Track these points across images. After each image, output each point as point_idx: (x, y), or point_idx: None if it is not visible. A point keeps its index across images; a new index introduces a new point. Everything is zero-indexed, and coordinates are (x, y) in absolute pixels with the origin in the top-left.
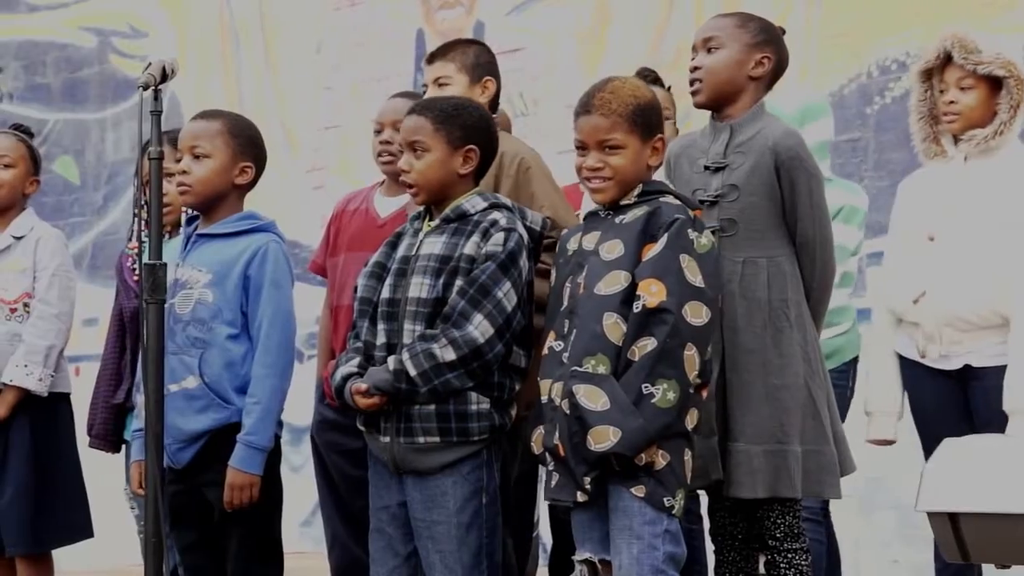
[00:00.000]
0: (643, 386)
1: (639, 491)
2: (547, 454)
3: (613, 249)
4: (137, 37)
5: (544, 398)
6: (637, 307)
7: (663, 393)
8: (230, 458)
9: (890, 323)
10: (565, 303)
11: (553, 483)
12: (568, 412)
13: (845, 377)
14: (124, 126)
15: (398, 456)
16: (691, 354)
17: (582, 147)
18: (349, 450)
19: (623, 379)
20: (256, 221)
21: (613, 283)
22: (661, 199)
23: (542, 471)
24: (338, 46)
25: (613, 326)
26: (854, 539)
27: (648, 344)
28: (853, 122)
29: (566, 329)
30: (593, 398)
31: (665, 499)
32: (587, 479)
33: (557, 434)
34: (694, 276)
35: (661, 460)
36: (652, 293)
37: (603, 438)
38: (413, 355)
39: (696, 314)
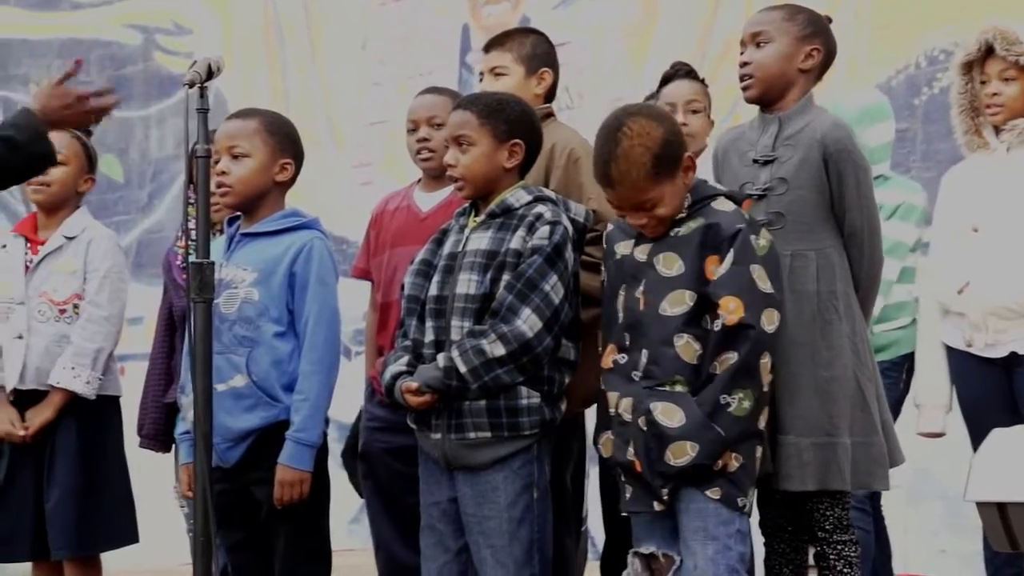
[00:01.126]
0: (721, 398)
1: (715, 493)
2: (619, 467)
3: (671, 265)
4: (181, 34)
5: (612, 411)
6: (717, 325)
7: (739, 402)
8: (279, 455)
9: (936, 314)
10: (621, 315)
11: (628, 495)
12: (645, 429)
13: (899, 370)
14: (168, 123)
15: (449, 452)
16: (766, 361)
17: (619, 209)
18: (399, 448)
19: (703, 393)
20: (299, 218)
21: (678, 303)
22: (713, 204)
23: (589, 465)
24: (384, 41)
25: (685, 346)
26: (902, 529)
27: (730, 358)
28: (901, 113)
29: (628, 342)
30: (670, 415)
31: (739, 499)
32: (664, 492)
33: (631, 450)
34: (764, 284)
35: (735, 462)
36: (731, 311)
37: (682, 453)
38: (463, 352)
39: (770, 320)
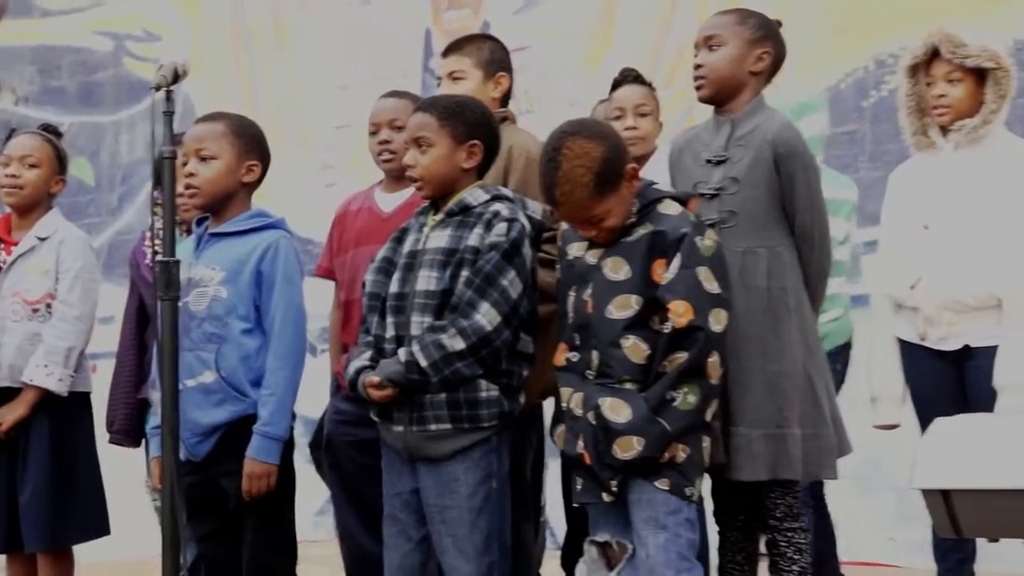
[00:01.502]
0: (668, 394)
1: (663, 484)
2: (570, 460)
3: (619, 269)
4: (151, 40)
5: (564, 405)
6: (668, 327)
7: (684, 397)
8: (247, 449)
9: (889, 309)
10: (572, 316)
11: (579, 487)
12: (594, 423)
13: (835, 360)
14: (139, 128)
15: (411, 444)
16: (714, 360)
17: (568, 222)
18: (363, 440)
19: (650, 389)
20: (266, 219)
21: (623, 307)
22: (659, 208)
23: (548, 456)
24: (349, 46)
25: (632, 348)
26: (852, 518)
27: (680, 358)
28: (850, 115)
29: (579, 342)
30: (618, 410)
31: (687, 489)
32: (613, 483)
33: (581, 443)
34: (711, 285)
35: (682, 453)
36: (680, 314)
37: (628, 447)
38: (423, 346)
39: (718, 321)
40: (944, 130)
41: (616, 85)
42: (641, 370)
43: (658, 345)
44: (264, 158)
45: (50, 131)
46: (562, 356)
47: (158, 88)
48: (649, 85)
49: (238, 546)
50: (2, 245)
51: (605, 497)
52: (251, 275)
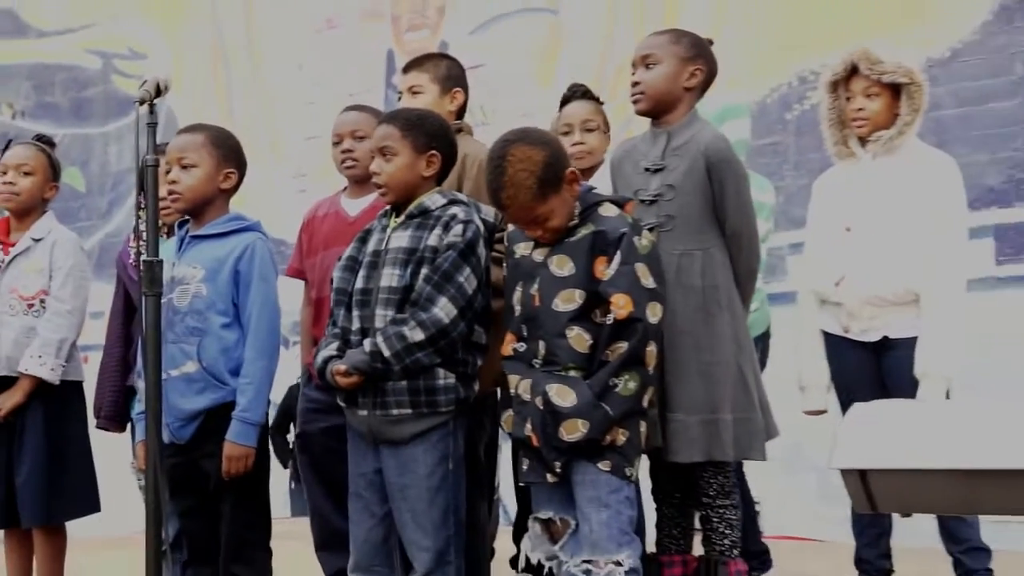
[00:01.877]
0: (610, 381)
1: (605, 465)
2: (518, 442)
3: (563, 266)
4: (137, 59)
5: (512, 391)
6: (609, 319)
7: (625, 383)
8: (227, 432)
9: (815, 304)
10: (519, 309)
11: (525, 467)
12: (541, 408)
13: (755, 348)
14: (126, 139)
15: (374, 427)
16: (652, 349)
17: (513, 221)
18: (331, 427)
19: (594, 377)
20: (243, 222)
21: (568, 300)
22: (600, 210)
23: (501, 439)
24: (318, 65)
25: (576, 338)
26: (779, 496)
27: (621, 347)
28: (775, 127)
29: (526, 333)
30: (564, 395)
31: (626, 469)
32: (557, 464)
33: (528, 426)
34: (647, 280)
35: (622, 437)
36: (621, 306)
37: (574, 429)
38: (386, 337)
39: (654, 313)
40: (862, 141)
41: (565, 101)
42: (585, 358)
43: (600, 335)
44: (241, 166)
45: (44, 141)
46: (509, 346)
47: (142, 102)
48: (597, 100)
49: (217, 522)
50: (0, 246)
51: (549, 477)
52: (229, 274)
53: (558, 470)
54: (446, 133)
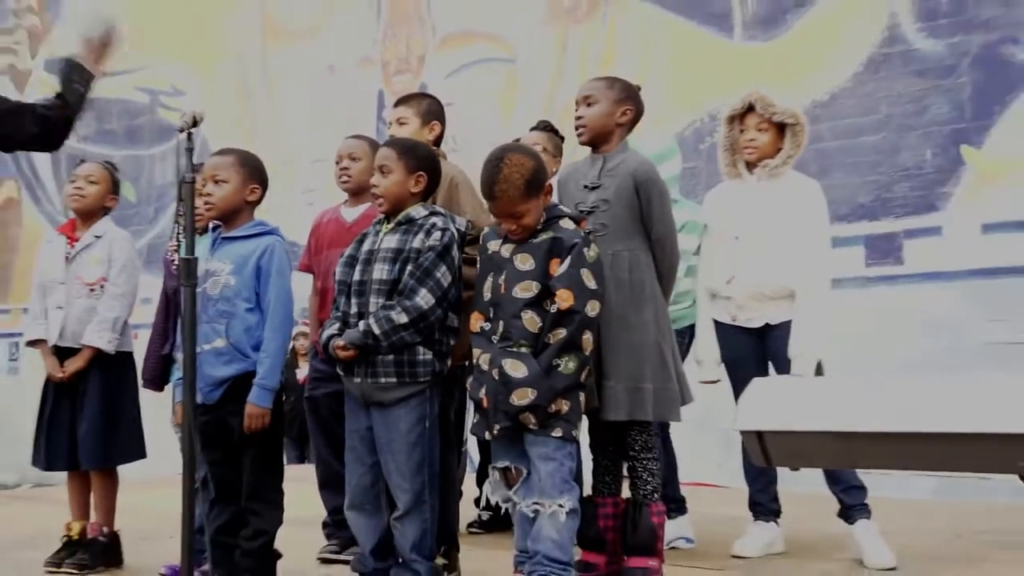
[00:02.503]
0: (554, 360)
1: (557, 432)
2: (473, 401)
3: (525, 262)
4: (177, 95)
5: (475, 361)
6: (553, 308)
7: (566, 364)
8: (248, 396)
9: (708, 298)
10: (487, 295)
11: (475, 421)
12: (496, 378)
13: (685, 336)
14: (168, 160)
15: (366, 392)
16: (587, 337)
17: (497, 216)
18: (332, 392)
19: (541, 356)
20: (264, 227)
21: (527, 290)
22: (560, 222)
23: (469, 407)
24: (322, 101)
25: (530, 320)
26: (691, 451)
27: (560, 333)
28: (690, 155)
29: (491, 315)
30: (516, 368)
31: (573, 432)
32: (497, 427)
33: (483, 391)
34: (590, 282)
35: (565, 407)
36: (564, 299)
37: (524, 396)
38: (377, 320)
39: (592, 308)
40: (749, 166)
41: (532, 130)
42: (533, 337)
43: (546, 321)
44: (263, 183)
45: (108, 164)
46: (477, 324)
47: (182, 130)
48: (557, 133)
49: (239, 468)
50: (68, 241)
51: (487, 436)
52: (253, 269)
53: (496, 432)
54: (433, 160)
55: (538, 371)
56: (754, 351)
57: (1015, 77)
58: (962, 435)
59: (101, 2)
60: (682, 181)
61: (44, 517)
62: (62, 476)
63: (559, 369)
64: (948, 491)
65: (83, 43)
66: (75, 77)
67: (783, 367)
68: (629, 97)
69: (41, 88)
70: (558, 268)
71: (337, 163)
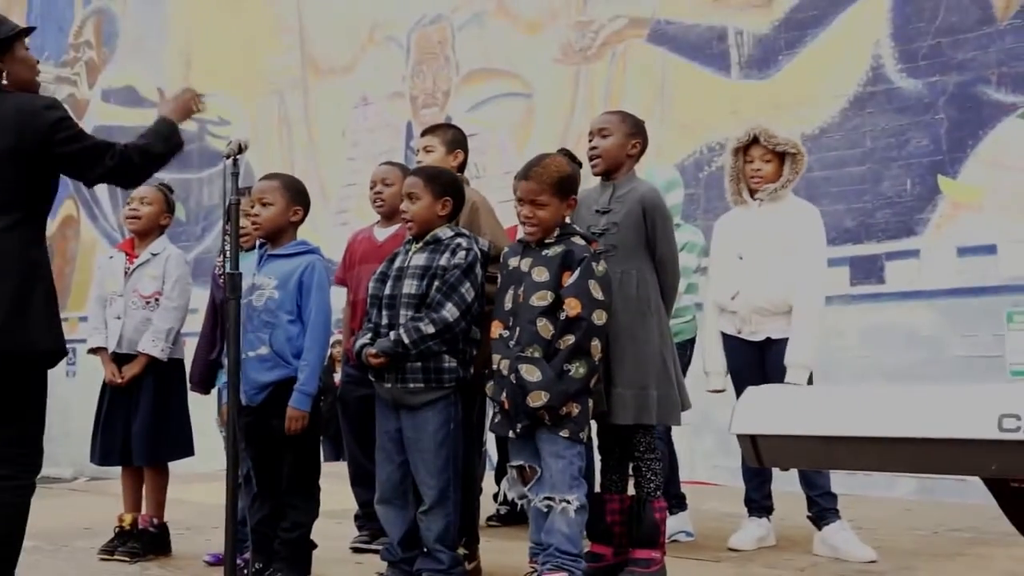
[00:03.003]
0: (564, 366)
1: (565, 432)
2: (494, 403)
3: (541, 274)
4: (223, 124)
5: (495, 367)
6: (563, 316)
7: (576, 369)
8: (290, 400)
9: (715, 312)
10: (508, 306)
11: (496, 421)
12: (514, 381)
13: (687, 348)
14: (215, 183)
15: (396, 396)
16: (595, 343)
17: (521, 201)
18: (364, 395)
19: (553, 361)
20: (307, 246)
21: (542, 299)
22: (572, 239)
23: (488, 410)
24: (356, 131)
25: (544, 327)
26: (691, 452)
27: (569, 339)
28: (690, 182)
29: (511, 323)
30: (531, 373)
31: (580, 433)
32: (519, 426)
33: (504, 393)
34: (598, 293)
35: (575, 409)
36: (572, 307)
37: (538, 398)
38: (407, 330)
39: (599, 317)
40: (752, 192)
41: None
42: (546, 343)
43: (557, 327)
44: (306, 205)
45: (164, 186)
46: (497, 331)
47: (228, 157)
48: (575, 159)
49: (279, 465)
50: (127, 257)
51: (511, 434)
52: (295, 284)
53: (519, 430)
54: (457, 186)
55: (551, 376)
56: (755, 363)
57: (987, 114)
58: (935, 440)
59: (155, 42)
60: (683, 207)
61: (98, 509)
62: (116, 471)
63: (570, 374)
64: (927, 491)
65: (166, 97)
66: (161, 127)
67: (781, 377)
68: (638, 131)
69: (98, 116)
70: (568, 279)
71: (372, 188)
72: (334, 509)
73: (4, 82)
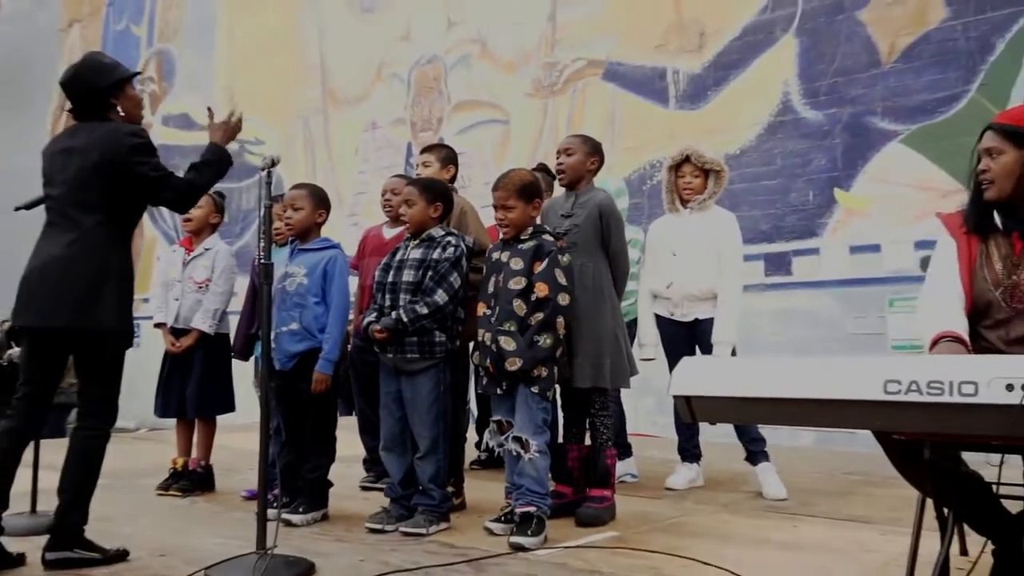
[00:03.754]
0: (534, 337)
1: (535, 389)
2: (480, 368)
3: (517, 263)
4: (259, 144)
5: (479, 339)
6: (534, 297)
7: (544, 340)
8: (316, 366)
9: (649, 297)
10: (491, 290)
11: (483, 383)
12: (495, 350)
13: (632, 326)
14: (252, 191)
15: (396, 364)
16: (560, 320)
17: (495, 207)
18: (371, 362)
19: (525, 334)
20: (330, 242)
21: (517, 283)
22: (543, 236)
23: (472, 375)
24: (366, 150)
25: (518, 306)
26: (635, 409)
27: (539, 316)
28: (636, 193)
29: (492, 304)
30: (508, 343)
31: (548, 392)
32: (504, 384)
33: (489, 360)
34: (562, 279)
35: (544, 372)
36: (541, 290)
37: (514, 363)
38: (405, 311)
39: (563, 299)
40: (684, 202)
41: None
42: (520, 319)
43: (529, 306)
44: (328, 209)
45: (217, 193)
46: (481, 310)
47: (263, 169)
48: (550, 172)
49: (304, 419)
50: (186, 251)
51: (497, 391)
52: (321, 272)
53: (502, 389)
54: (447, 194)
55: (524, 345)
56: (686, 338)
57: (873, 139)
58: (833, 400)
59: (205, 78)
60: (629, 212)
61: (156, 454)
62: (171, 423)
63: (539, 344)
64: (825, 441)
65: (214, 119)
66: (213, 155)
67: (707, 351)
68: (596, 151)
69: (160, 137)
70: (539, 268)
71: (383, 195)
72: (346, 455)
73: (121, 113)
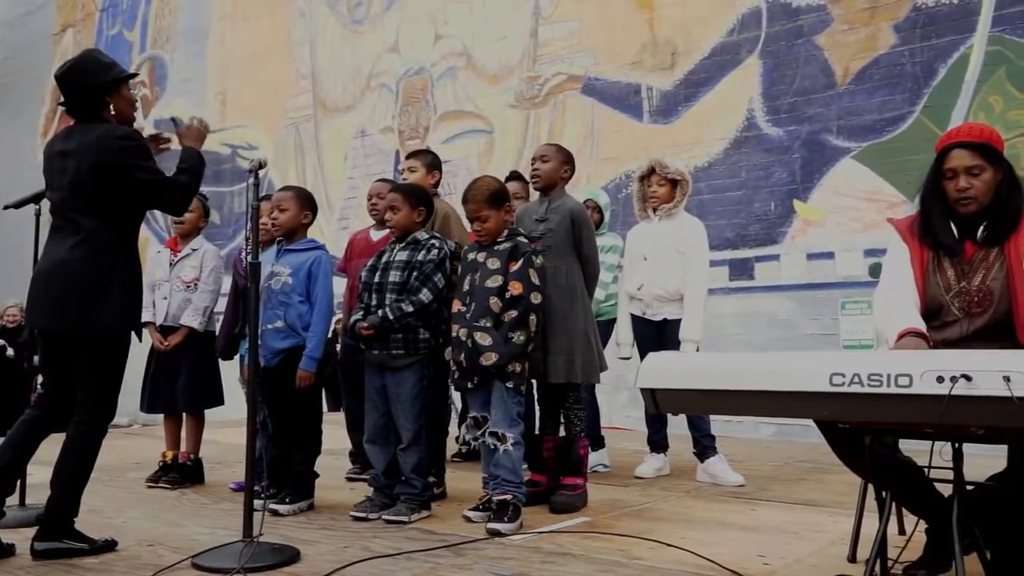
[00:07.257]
0: (508, 334)
1: (510, 383)
2: (454, 363)
3: (494, 263)
4: (250, 149)
5: (454, 335)
6: (508, 295)
7: (517, 337)
8: (300, 363)
9: (626, 299)
10: (466, 288)
11: (456, 377)
12: (470, 345)
13: (609, 326)
14: (243, 195)
15: (381, 360)
16: (532, 318)
17: (469, 219)
18: (357, 360)
19: (500, 330)
20: (315, 243)
21: (494, 282)
22: (517, 239)
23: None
24: (355, 156)
25: (494, 303)
26: (609, 404)
27: (513, 313)
28: (613, 201)
29: (467, 301)
30: (484, 339)
31: (521, 387)
32: (475, 379)
33: (462, 355)
34: (535, 279)
35: (517, 367)
36: (515, 288)
37: (489, 358)
38: (391, 309)
39: (536, 298)
40: (654, 210)
41: (507, 179)
42: (495, 316)
43: (504, 303)
44: (314, 211)
45: (201, 196)
46: (456, 307)
47: (251, 171)
48: (524, 180)
49: (290, 414)
50: (172, 252)
51: (468, 386)
52: (305, 272)
53: (473, 384)
54: (429, 198)
55: (500, 340)
56: (654, 336)
57: (829, 155)
58: (784, 392)
59: (197, 84)
60: (609, 220)
61: (146, 448)
62: (159, 418)
63: (513, 340)
64: (782, 433)
65: (179, 126)
66: (191, 160)
67: (675, 348)
68: (569, 160)
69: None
70: (514, 267)
71: (369, 199)
72: (333, 448)
73: (113, 113)
